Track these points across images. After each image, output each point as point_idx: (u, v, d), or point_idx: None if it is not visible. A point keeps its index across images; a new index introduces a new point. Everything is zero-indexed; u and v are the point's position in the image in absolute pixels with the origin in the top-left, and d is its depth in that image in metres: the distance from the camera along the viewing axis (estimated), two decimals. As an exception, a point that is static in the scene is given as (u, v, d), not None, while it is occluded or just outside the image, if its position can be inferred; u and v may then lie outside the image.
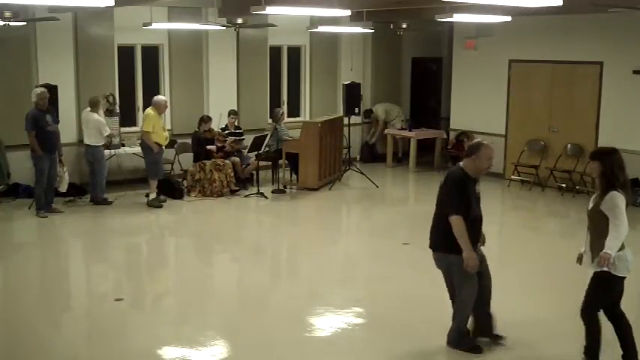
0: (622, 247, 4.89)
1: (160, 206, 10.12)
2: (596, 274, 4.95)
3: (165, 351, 5.51)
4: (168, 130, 11.88)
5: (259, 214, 10.52)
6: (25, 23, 9.46)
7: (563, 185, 11.41)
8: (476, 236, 5.33)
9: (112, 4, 5.75)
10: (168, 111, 11.89)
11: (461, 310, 5.48)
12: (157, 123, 10.09)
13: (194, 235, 9.30)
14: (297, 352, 5.60)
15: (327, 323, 6.14)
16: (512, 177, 12.21)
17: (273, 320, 6.25)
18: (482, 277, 5.45)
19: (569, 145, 11.61)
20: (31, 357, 5.51)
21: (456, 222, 5.14)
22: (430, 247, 5.47)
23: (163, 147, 10.34)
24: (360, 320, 6.24)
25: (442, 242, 5.32)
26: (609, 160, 4.92)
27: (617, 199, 4.82)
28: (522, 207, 11.25)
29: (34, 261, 8.04)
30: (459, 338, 5.53)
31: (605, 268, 4.81)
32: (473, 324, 5.62)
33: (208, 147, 10.91)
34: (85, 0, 7.02)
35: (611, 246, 4.78)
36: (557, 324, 6.10)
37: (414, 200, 12.27)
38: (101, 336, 5.89)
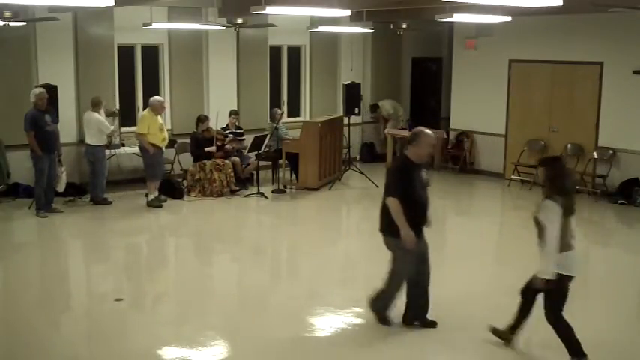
0: (569, 248, 5.14)
1: (160, 206, 10.12)
2: (542, 278, 5.19)
3: (165, 351, 5.51)
4: (168, 130, 11.90)
5: (259, 214, 10.52)
6: (25, 23, 9.45)
7: (563, 185, 11.40)
8: (421, 219, 5.66)
9: (112, 4, 5.75)
10: (168, 111, 11.91)
11: (390, 285, 5.82)
12: (153, 124, 10.04)
13: (194, 235, 9.30)
14: (297, 352, 5.60)
15: (327, 323, 6.14)
16: (512, 177, 12.21)
17: (273, 320, 6.25)
18: (423, 262, 5.78)
19: (569, 145, 11.62)
20: (31, 357, 5.52)
21: (392, 203, 5.54)
22: (380, 230, 5.81)
23: (163, 148, 10.30)
24: (360, 320, 6.24)
25: (389, 226, 5.63)
26: (552, 167, 5.22)
27: (549, 208, 5.09)
28: (522, 207, 11.23)
29: (34, 261, 8.04)
30: (377, 305, 5.92)
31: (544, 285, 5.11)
32: (405, 309, 5.95)
33: (207, 149, 10.87)
34: (85, 0, 7.02)
35: (543, 270, 5.11)
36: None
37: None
38: (101, 336, 5.89)
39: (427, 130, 5.71)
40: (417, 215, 5.63)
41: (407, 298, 5.94)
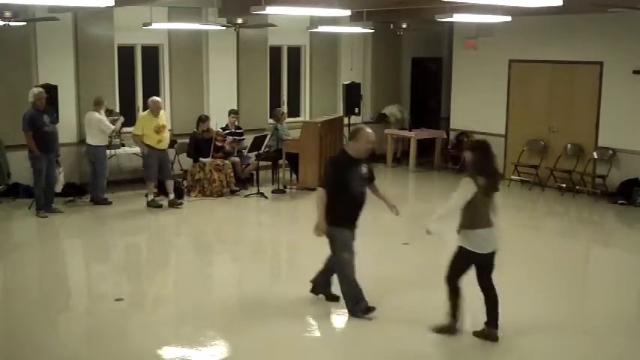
0: (479, 226, 5.56)
1: (160, 206, 10.11)
2: (458, 247, 5.63)
3: (165, 351, 5.51)
4: (168, 130, 11.89)
5: (259, 214, 10.52)
6: (25, 23, 9.45)
7: (563, 185, 11.41)
8: (356, 212, 6.00)
9: (112, 4, 5.75)
10: (168, 111, 11.92)
11: (341, 279, 6.12)
12: (148, 125, 9.98)
13: (194, 235, 9.30)
14: (297, 352, 5.60)
15: (327, 323, 6.14)
16: (512, 177, 12.21)
17: (273, 320, 6.24)
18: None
19: (569, 145, 11.61)
20: (31, 357, 5.51)
21: (319, 193, 5.92)
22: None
23: (164, 150, 10.17)
24: (360, 320, 6.24)
25: (327, 216, 5.92)
26: (477, 150, 5.69)
27: (465, 184, 5.52)
28: (522, 207, 11.24)
29: (34, 261, 8.05)
30: (352, 306, 6.09)
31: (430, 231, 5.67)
32: (314, 279, 6.43)
33: (202, 160, 10.82)
34: (85, 0, 7.02)
35: (439, 213, 5.62)
36: (557, 323, 6.10)
37: (413, 200, 12.27)
38: (101, 336, 5.89)
39: (367, 128, 6.06)
40: (353, 208, 5.97)
41: (323, 272, 6.40)
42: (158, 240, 9.27)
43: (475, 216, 5.57)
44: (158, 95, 11.81)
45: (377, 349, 5.64)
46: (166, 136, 10.22)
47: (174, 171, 11.31)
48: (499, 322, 5.69)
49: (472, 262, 5.66)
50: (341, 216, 5.93)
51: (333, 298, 6.42)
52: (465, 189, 5.51)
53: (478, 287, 5.76)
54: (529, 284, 7.20)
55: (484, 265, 5.70)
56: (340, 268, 6.12)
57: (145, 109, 11.78)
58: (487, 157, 5.66)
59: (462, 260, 5.67)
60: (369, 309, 6.09)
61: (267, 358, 5.50)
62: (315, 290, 6.53)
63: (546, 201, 11.32)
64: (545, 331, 5.94)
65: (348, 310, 6.14)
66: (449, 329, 5.77)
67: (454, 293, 5.74)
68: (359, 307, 6.08)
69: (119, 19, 10.97)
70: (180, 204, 10.21)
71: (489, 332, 5.70)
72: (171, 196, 10.24)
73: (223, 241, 9.11)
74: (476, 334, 5.75)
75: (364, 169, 6.04)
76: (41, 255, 8.28)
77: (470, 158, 5.67)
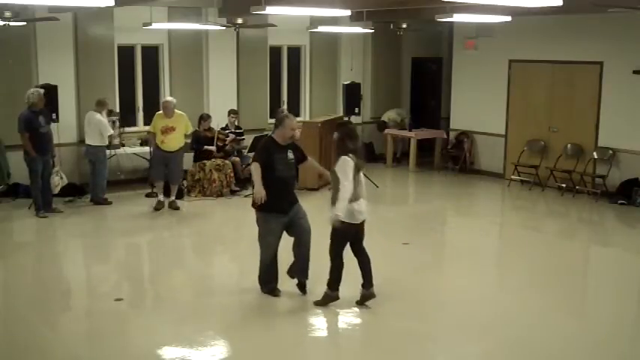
0: (357, 199, 6.00)
1: (159, 209, 10.04)
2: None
3: (165, 351, 5.51)
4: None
5: (259, 214, 10.50)
6: (25, 23, 9.45)
7: (563, 185, 11.41)
8: (283, 193, 6.38)
9: (112, 4, 5.75)
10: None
11: (261, 256, 6.60)
12: (158, 124, 9.97)
13: (194, 235, 9.30)
14: (298, 352, 5.60)
15: (327, 323, 6.14)
16: (512, 177, 12.21)
17: (273, 320, 6.25)
18: (301, 232, 6.52)
19: (569, 145, 11.62)
20: (31, 357, 5.51)
21: (253, 166, 6.34)
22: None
23: (172, 152, 9.97)
24: (360, 320, 6.24)
25: (253, 203, 6.35)
26: (342, 130, 6.27)
27: (344, 163, 5.98)
28: (522, 207, 11.25)
29: (33, 261, 8.05)
30: (262, 286, 6.69)
31: (336, 225, 5.98)
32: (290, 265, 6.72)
33: (207, 147, 10.86)
34: (85, 0, 7.02)
35: (338, 208, 5.92)
36: (557, 323, 6.10)
37: (413, 200, 12.27)
38: (101, 336, 5.89)
39: (291, 115, 6.68)
40: (280, 189, 6.34)
41: (294, 257, 6.69)
42: (158, 240, 9.26)
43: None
44: (158, 95, 11.85)
45: (377, 349, 5.64)
46: (172, 137, 9.95)
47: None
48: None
49: (351, 232, 6.14)
50: (268, 202, 6.22)
51: (301, 288, 6.70)
52: (349, 167, 5.99)
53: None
54: (529, 284, 7.20)
55: (356, 232, 6.21)
56: (261, 250, 6.56)
57: (145, 108, 11.85)
58: (352, 135, 6.20)
59: (338, 234, 6.17)
60: (273, 291, 6.62)
61: (267, 358, 5.50)
62: (290, 272, 6.80)
63: (546, 201, 11.32)
64: (544, 331, 5.94)
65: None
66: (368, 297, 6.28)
67: (338, 263, 6.27)
68: (265, 289, 6.66)
69: (119, 19, 10.97)
70: (177, 208, 10.09)
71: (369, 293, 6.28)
72: (172, 197, 10.18)
73: (223, 241, 9.11)
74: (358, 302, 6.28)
75: (290, 154, 6.48)
76: (41, 255, 8.28)
77: (338, 137, 6.19)
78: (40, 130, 9.36)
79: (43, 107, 9.47)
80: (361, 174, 6.18)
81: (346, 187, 5.92)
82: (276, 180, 6.30)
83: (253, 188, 6.31)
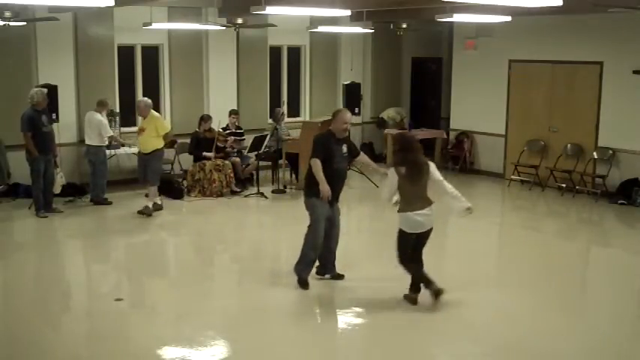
0: (410, 210, 6.10)
1: (150, 214, 9.71)
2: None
3: (165, 351, 5.50)
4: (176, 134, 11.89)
5: (259, 214, 10.52)
6: (25, 23, 9.45)
7: (563, 185, 11.41)
8: (336, 186, 6.58)
9: (112, 4, 5.75)
10: (168, 111, 11.95)
11: (307, 243, 6.73)
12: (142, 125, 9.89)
13: (194, 235, 9.30)
14: (297, 352, 5.60)
15: (327, 323, 6.14)
16: (512, 177, 12.21)
17: (273, 320, 6.25)
18: (333, 226, 6.79)
19: (569, 145, 11.62)
20: (31, 357, 5.51)
21: (314, 163, 6.48)
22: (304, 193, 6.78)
23: (145, 153, 9.79)
24: (360, 320, 6.24)
25: (308, 188, 6.66)
26: (398, 141, 6.38)
27: (391, 173, 6.15)
28: (522, 207, 11.25)
29: (33, 261, 8.04)
30: (300, 268, 6.78)
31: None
32: (318, 264, 6.90)
33: (205, 154, 10.84)
34: (85, 0, 7.02)
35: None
36: (557, 323, 6.10)
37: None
38: (101, 336, 5.89)
39: (345, 109, 6.97)
40: (333, 181, 6.53)
41: (319, 256, 6.86)
42: (158, 240, 9.27)
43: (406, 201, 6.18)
44: (158, 95, 11.86)
45: (377, 349, 5.64)
46: (142, 139, 9.73)
47: (174, 171, 11.35)
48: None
49: (408, 240, 6.24)
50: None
51: (339, 277, 6.96)
52: (389, 178, 6.16)
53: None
54: (529, 284, 7.20)
55: (414, 241, 6.28)
56: (313, 234, 6.70)
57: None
58: (408, 148, 6.20)
59: (399, 240, 6.29)
60: (306, 284, 6.72)
61: (267, 358, 5.50)
62: (321, 271, 6.97)
63: (546, 201, 11.32)
64: (544, 330, 5.94)
65: (295, 268, 6.80)
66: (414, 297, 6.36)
67: (410, 269, 6.35)
68: (303, 273, 6.75)
69: (119, 19, 10.97)
70: (149, 215, 9.64)
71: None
72: (149, 203, 9.76)
73: (223, 241, 9.11)
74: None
75: (344, 148, 6.68)
76: (41, 255, 8.28)
77: (394, 149, 6.41)
78: (42, 130, 9.37)
79: (45, 107, 9.48)
80: (420, 186, 6.19)
81: (382, 189, 6.22)
82: (332, 171, 6.51)
83: (306, 181, 6.64)
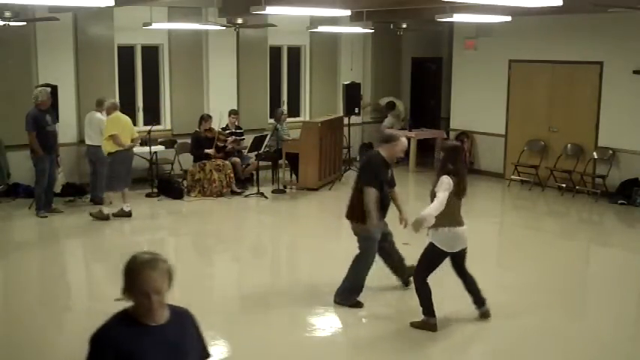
0: (457, 225, 5.78)
1: (103, 218, 9.40)
2: (429, 243, 5.81)
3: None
4: (168, 130, 11.90)
5: (259, 214, 10.52)
6: (25, 23, 9.45)
7: (563, 185, 11.41)
8: (385, 208, 6.29)
9: (112, 4, 5.75)
10: (168, 111, 11.95)
11: (357, 266, 6.35)
12: None
13: (194, 235, 9.30)
14: (297, 352, 5.60)
15: (327, 323, 6.14)
16: (512, 177, 12.21)
17: (274, 320, 6.25)
18: (388, 241, 6.56)
19: (569, 145, 11.62)
20: (31, 357, 5.52)
21: (371, 192, 6.05)
22: (347, 217, 6.36)
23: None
24: (360, 320, 6.24)
25: (361, 214, 6.14)
26: (445, 150, 6.02)
27: (444, 181, 5.71)
28: (522, 207, 11.25)
29: (33, 261, 8.05)
30: (345, 295, 6.37)
31: (423, 227, 5.66)
32: (398, 277, 6.77)
33: (206, 151, 10.85)
34: (85, 0, 7.02)
35: (426, 212, 5.61)
36: (557, 323, 6.10)
37: (413, 200, 12.25)
38: (101, 336, 5.88)
39: (403, 137, 6.39)
40: (383, 205, 6.21)
41: (391, 269, 6.72)
42: (158, 240, 9.27)
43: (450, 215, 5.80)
44: (158, 95, 11.88)
45: (377, 349, 5.64)
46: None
47: (174, 171, 11.34)
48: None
49: (440, 259, 5.91)
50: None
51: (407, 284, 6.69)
52: (446, 185, 5.73)
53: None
54: (529, 284, 7.20)
55: (453, 259, 6.00)
56: (364, 259, 6.35)
57: (145, 108, 11.84)
58: (456, 158, 5.93)
59: (428, 257, 5.92)
60: (359, 303, 6.36)
61: (267, 358, 5.50)
62: (404, 282, 6.80)
63: (546, 201, 11.32)
64: (544, 330, 5.94)
65: (340, 299, 6.37)
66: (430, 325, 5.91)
67: (423, 290, 5.94)
68: (352, 299, 6.36)
69: (119, 19, 10.97)
70: (103, 219, 9.35)
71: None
72: (104, 208, 9.48)
73: (223, 241, 9.11)
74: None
75: (389, 173, 6.40)
76: (41, 255, 8.28)
77: (442, 158, 6.00)
78: (46, 129, 9.37)
79: (49, 106, 9.49)
80: (461, 200, 5.94)
81: (439, 198, 5.66)
82: (383, 196, 6.20)
83: (358, 206, 6.15)
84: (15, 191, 10.35)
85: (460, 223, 5.84)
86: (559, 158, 11.68)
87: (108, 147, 9.41)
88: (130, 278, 2.92)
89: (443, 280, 6.06)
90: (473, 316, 6.12)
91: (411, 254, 8.14)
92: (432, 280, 5.89)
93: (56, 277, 7.49)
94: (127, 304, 2.90)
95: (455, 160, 5.87)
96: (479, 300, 6.06)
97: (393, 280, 6.96)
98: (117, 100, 11.20)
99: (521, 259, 8.23)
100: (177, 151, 11.39)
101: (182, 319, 3.15)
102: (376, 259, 6.49)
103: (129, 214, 9.50)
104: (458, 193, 5.79)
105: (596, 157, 11.25)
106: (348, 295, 6.36)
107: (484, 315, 6.05)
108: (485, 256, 8.55)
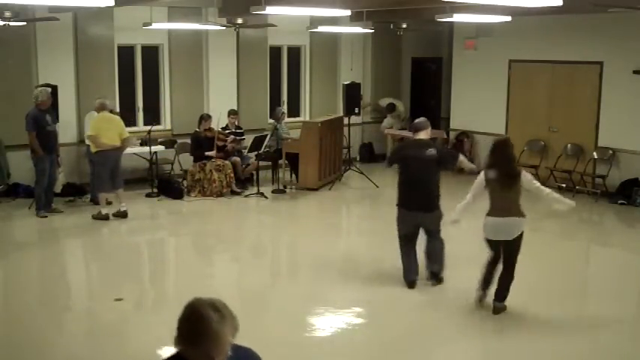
0: (493, 214, 6.18)
1: (103, 218, 9.41)
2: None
3: (166, 351, 5.49)
4: (168, 130, 11.89)
5: (259, 214, 10.52)
6: (25, 23, 9.45)
7: (563, 185, 11.40)
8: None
9: (112, 4, 5.75)
10: (168, 111, 11.94)
11: (443, 252, 6.96)
12: None
13: (194, 235, 9.30)
14: (297, 352, 5.60)
15: (327, 323, 6.14)
16: (512, 177, 12.19)
17: (274, 320, 6.25)
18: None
19: (569, 145, 11.62)
20: (31, 357, 5.51)
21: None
22: (426, 210, 6.86)
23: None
24: (360, 320, 6.24)
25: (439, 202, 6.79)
26: (491, 147, 6.28)
27: (480, 176, 6.20)
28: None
29: (33, 261, 8.05)
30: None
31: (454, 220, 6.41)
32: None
33: (207, 153, 10.83)
34: (85, 0, 7.02)
35: (455, 211, 6.37)
36: (557, 323, 6.10)
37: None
38: (101, 336, 5.89)
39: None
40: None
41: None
42: (158, 240, 9.27)
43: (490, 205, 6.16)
44: (158, 95, 11.87)
45: (376, 349, 5.64)
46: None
47: (174, 171, 11.35)
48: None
49: (490, 246, 6.33)
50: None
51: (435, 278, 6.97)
52: (479, 179, 6.17)
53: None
54: (529, 284, 7.19)
55: (493, 248, 6.32)
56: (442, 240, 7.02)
57: (145, 108, 11.84)
58: (500, 153, 6.16)
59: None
60: (412, 283, 6.76)
61: (267, 358, 5.48)
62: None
63: (546, 201, 11.29)
64: (544, 330, 5.94)
65: (440, 270, 6.95)
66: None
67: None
68: (405, 279, 6.80)
69: (119, 19, 10.97)
70: (103, 219, 9.38)
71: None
72: (102, 209, 9.50)
73: (223, 241, 9.11)
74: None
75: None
76: (41, 255, 8.28)
77: (490, 152, 6.30)
78: (47, 129, 9.37)
79: (50, 106, 9.48)
80: (507, 192, 6.24)
81: (466, 198, 6.25)
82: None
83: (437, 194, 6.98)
84: (15, 191, 10.35)
85: (497, 214, 6.16)
86: (559, 158, 11.68)
87: (91, 147, 9.50)
88: (192, 333, 2.57)
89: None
90: (474, 318, 6.12)
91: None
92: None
93: (56, 277, 7.49)
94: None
95: (494, 154, 6.16)
96: (500, 295, 6.21)
97: (394, 279, 6.97)
98: (116, 100, 11.26)
99: (521, 258, 8.20)
100: (177, 151, 11.39)
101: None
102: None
103: (124, 215, 9.49)
104: (500, 187, 6.10)
105: (596, 157, 11.25)
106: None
107: (496, 310, 6.18)
108: (485, 255, 8.54)
